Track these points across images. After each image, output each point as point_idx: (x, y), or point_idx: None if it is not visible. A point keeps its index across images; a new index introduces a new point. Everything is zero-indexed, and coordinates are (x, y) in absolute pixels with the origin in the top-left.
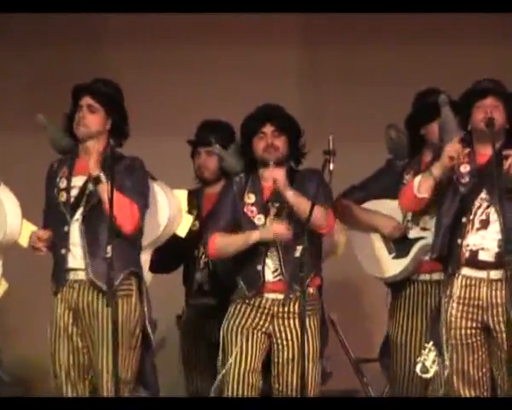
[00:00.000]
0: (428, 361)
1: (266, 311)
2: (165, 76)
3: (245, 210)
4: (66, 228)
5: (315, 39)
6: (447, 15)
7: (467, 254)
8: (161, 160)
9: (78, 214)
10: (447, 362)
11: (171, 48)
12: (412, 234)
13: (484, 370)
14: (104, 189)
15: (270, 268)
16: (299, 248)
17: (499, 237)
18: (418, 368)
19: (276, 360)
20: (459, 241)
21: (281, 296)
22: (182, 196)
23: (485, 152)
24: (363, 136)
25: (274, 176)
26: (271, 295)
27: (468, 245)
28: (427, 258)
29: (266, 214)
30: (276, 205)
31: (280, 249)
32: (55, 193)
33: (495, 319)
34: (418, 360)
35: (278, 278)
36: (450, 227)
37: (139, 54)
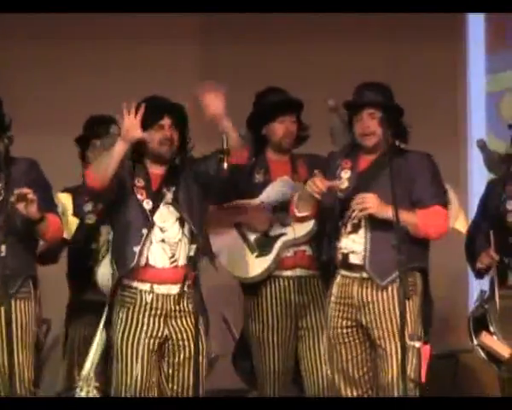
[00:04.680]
0: None
1: (159, 312)
2: (58, 73)
3: (134, 190)
4: None
5: (212, 39)
6: (326, 15)
7: (340, 257)
8: (45, 159)
9: None
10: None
11: (65, 45)
12: (273, 231)
13: (365, 369)
14: None
15: (168, 254)
16: (193, 247)
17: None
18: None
19: (172, 360)
20: (336, 243)
21: (174, 289)
22: (66, 198)
23: (366, 158)
24: None
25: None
26: (162, 289)
27: (340, 248)
28: (289, 254)
29: (154, 201)
30: (164, 192)
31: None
32: None
33: (367, 317)
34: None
35: (174, 264)
36: (332, 230)
37: (22, 52)
